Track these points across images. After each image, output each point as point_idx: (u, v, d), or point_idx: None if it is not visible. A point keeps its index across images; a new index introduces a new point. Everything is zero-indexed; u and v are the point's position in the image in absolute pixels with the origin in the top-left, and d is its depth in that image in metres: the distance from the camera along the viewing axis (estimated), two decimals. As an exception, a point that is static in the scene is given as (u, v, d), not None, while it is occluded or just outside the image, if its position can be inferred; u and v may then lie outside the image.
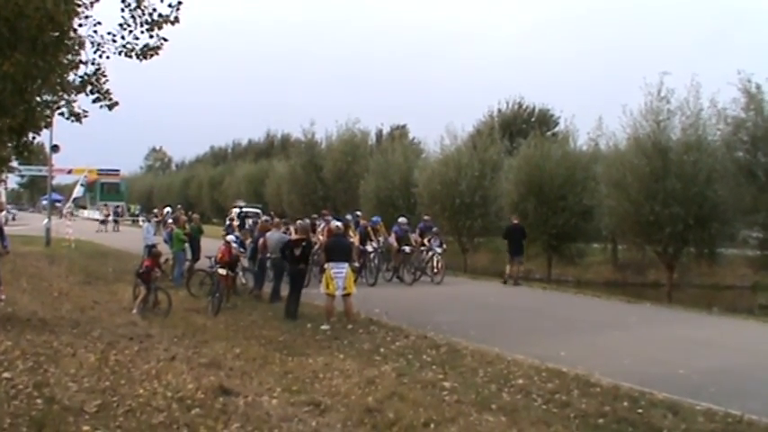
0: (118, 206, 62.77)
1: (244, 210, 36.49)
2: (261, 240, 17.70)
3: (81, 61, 12.00)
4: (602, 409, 7.96)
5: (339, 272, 13.59)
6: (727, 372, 10.42)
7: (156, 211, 38.08)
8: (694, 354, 11.74)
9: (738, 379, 9.98)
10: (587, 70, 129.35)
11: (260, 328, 12.90)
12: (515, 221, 23.35)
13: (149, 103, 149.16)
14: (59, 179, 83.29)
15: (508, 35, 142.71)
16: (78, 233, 33.60)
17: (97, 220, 55.19)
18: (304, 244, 14.78)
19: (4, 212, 27.47)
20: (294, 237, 15.44)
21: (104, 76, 12.10)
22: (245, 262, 18.06)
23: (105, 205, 59.44)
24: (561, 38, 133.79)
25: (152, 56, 11.76)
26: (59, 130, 25.22)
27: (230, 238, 16.88)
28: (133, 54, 11.69)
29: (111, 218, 52.73)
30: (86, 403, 6.66)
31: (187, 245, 19.66)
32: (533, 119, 50.53)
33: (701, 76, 22.69)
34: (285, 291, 15.26)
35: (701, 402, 8.40)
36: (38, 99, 12.01)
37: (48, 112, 12.60)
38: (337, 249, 13.97)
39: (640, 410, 8.00)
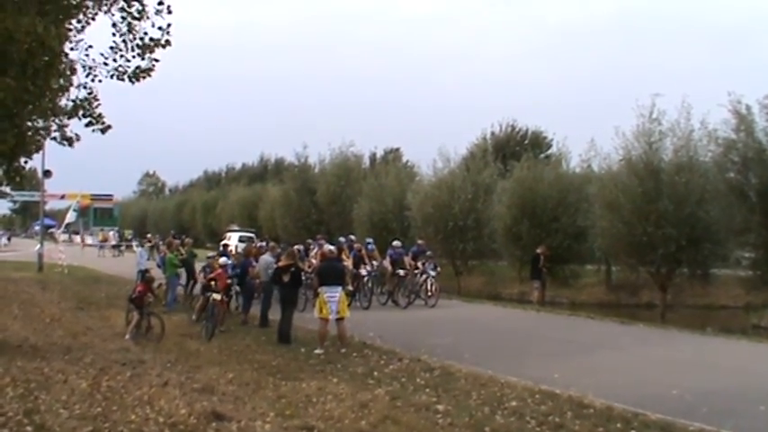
0: (121, 231, 62.73)
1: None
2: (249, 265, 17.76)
3: (72, 85, 11.99)
4: (596, 431, 7.94)
5: (332, 296, 13.56)
6: (721, 392, 10.39)
7: (149, 236, 38.06)
8: (688, 374, 11.72)
9: (731, 399, 9.95)
10: (579, 94, 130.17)
11: (253, 353, 12.86)
12: (537, 251, 24.04)
13: (142, 128, 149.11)
14: (52, 204, 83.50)
15: (500, 59, 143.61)
16: (71, 258, 33.47)
17: (95, 245, 55.48)
18: (292, 269, 14.77)
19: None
20: (281, 263, 15.36)
21: (96, 99, 12.02)
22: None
23: (102, 230, 59.20)
24: (552, 62, 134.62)
25: (144, 78, 11.69)
26: (52, 156, 25.36)
27: (223, 260, 16.90)
28: (125, 77, 11.63)
29: (114, 243, 53.15)
30: (77, 430, 6.64)
31: (181, 269, 19.65)
32: (526, 141, 50.88)
33: (693, 98, 22.90)
34: (273, 314, 15.19)
35: (694, 423, 8.38)
36: (29, 124, 11.97)
37: (39, 136, 12.55)
38: (331, 273, 13.95)
39: (633, 431, 7.99)
